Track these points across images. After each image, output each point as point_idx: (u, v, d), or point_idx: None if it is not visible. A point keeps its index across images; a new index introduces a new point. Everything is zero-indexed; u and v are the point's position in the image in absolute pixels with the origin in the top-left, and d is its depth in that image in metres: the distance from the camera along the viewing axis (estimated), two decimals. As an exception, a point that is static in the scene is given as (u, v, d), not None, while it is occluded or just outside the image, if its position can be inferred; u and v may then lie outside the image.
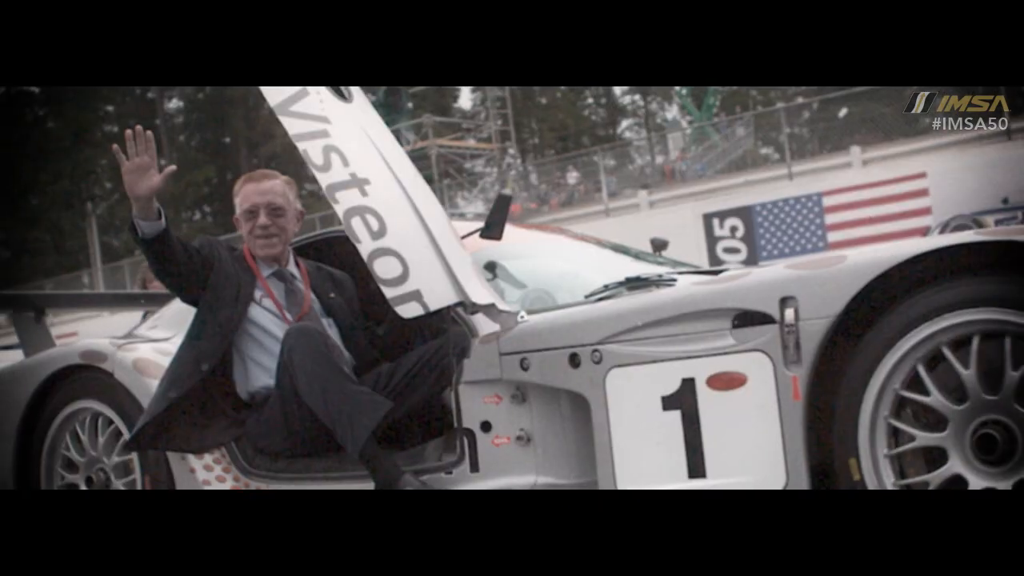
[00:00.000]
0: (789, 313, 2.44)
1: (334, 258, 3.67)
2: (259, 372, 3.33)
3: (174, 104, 40.80)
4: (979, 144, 15.92)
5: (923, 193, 16.61)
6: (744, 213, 18.77)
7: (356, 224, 2.86)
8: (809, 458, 2.43)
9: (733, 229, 18.78)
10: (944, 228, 15.76)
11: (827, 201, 18.01)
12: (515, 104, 33.85)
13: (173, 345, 3.53)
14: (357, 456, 2.96)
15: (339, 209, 2.88)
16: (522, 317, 2.97)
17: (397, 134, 23.00)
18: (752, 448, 2.49)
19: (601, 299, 3.06)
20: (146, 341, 3.65)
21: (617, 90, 39.72)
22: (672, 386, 2.60)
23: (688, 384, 2.58)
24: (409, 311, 2.82)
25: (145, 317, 4.59)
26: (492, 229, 3.23)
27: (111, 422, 3.55)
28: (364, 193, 2.92)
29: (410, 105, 32.66)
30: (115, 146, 3.05)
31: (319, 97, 3.05)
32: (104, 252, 31.23)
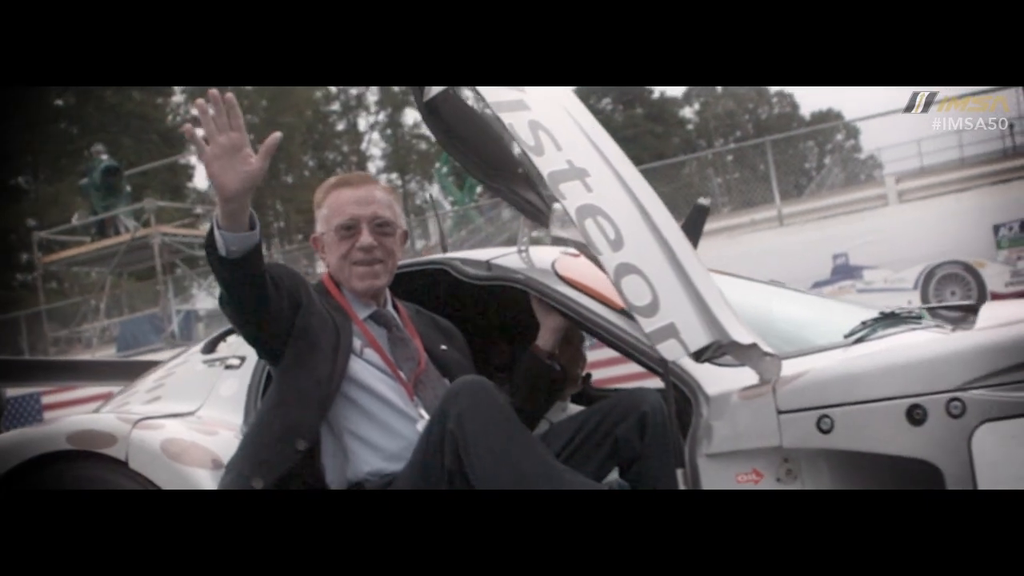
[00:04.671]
0: None
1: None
2: (365, 452, 2.33)
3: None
4: (752, 230, 16.30)
5: (696, 282, 16.72)
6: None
7: (591, 227, 2.05)
8: None
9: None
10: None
11: (596, 293, 17.81)
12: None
13: (206, 423, 2.47)
14: None
15: (568, 206, 2.06)
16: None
17: (114, 221, 20.76)
18: None
19: (859, 339, 2.36)
20: (167, 416, 2.50)
21: (372, 167, 38.12)
22: (1087, 444, 1.90)
23: (1114, 440, 1.89)
24: (671, 351, 2.05)
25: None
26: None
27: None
28: (588, 188, 2.12)
29: (129, 188, 30.01)
30: (187, 126, 2.02)
31: None
32: None
